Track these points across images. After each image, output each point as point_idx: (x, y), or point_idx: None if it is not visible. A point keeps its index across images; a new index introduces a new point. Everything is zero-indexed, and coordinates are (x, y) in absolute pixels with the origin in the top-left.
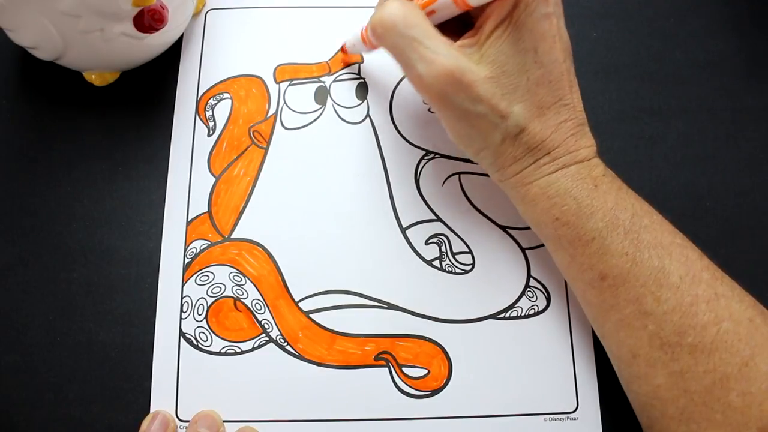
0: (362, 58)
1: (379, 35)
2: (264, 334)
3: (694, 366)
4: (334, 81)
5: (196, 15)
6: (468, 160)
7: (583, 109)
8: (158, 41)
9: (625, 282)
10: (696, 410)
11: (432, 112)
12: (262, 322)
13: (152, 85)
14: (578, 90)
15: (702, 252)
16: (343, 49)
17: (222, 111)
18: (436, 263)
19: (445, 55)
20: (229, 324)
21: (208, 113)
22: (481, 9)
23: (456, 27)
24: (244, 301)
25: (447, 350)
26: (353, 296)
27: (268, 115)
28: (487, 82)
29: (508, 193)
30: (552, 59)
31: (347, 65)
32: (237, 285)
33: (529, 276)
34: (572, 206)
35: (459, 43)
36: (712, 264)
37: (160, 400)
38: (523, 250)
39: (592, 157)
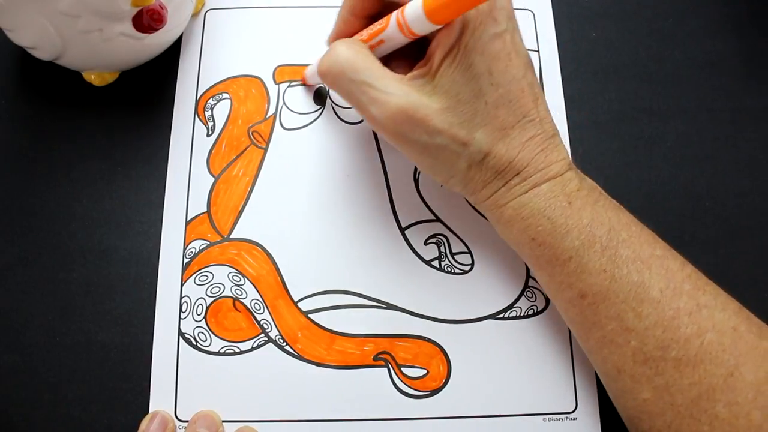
0: None
1: (329, 83)
2: (263, 334)
3: (679, 379)
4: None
5: (195, 15)
6: None
7: (552, 120)
8: (157, 41)
9: (605, 299)
10: (683, 423)
11: None
12: (261, 322)
13: (151, 85)
14: (545, 102)
15: (685, 259)
16: (304, 80)
17: (221, 111)
18: (435, 263)
19: (396, 94)
20: (228, 324)
21: (208, 113)
22: (432, 36)
23: (412, 54)
24: (243, 301)
25: (446, 350)
26: (352, 296)
27: (268, 116)
28: (442, 114)
29: (486, 215)
30: (509, 78)
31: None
32: (236, 285)
33: (528, 276)
34: (546, 226)
35: (410, 75)
36: (695, 272)
37: (159, 400)
38: None
39: (565, 172)
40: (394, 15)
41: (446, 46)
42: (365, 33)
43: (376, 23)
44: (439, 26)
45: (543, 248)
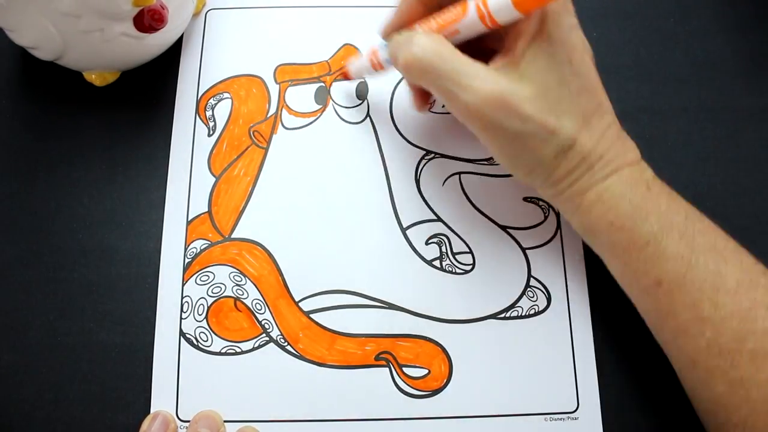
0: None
1: (415, 75)
2: (264, 334)
3: (755, 373)
4: (335, 81)
5: (196, 15)
6: (469, 160)
7: None
8: (158, 41)
9: (681, 287)
10: (759, 420)
11: (435, 112)
12: (263, 322)
13: (152, 85)
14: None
15: (757, 258)
16: (345, 75)
17: (222, 111)
18: (437, 263)
19: (488, 80)
20: (230, 324)
21: (208, 113)
22: (506, 29)
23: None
24: (244, 301)
25: (447, 350)
26: (353, 296)
27: (269, 115)
28: (532, 100)
29: (561, 207)
30: (586, 68)
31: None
32: (237, 285)
33: (529, 276)
34: (627, 209)
35: (493, 65)
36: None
37: (161, 400)
38: (523, 250)
39: (640, 159)
40: (472, 3)
41: (529, 35)
42: (434, 23)
43: (444, 12)
44: (523, 16)
45: (621, 233)
